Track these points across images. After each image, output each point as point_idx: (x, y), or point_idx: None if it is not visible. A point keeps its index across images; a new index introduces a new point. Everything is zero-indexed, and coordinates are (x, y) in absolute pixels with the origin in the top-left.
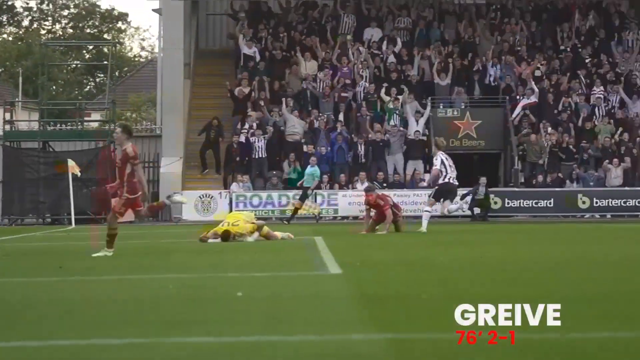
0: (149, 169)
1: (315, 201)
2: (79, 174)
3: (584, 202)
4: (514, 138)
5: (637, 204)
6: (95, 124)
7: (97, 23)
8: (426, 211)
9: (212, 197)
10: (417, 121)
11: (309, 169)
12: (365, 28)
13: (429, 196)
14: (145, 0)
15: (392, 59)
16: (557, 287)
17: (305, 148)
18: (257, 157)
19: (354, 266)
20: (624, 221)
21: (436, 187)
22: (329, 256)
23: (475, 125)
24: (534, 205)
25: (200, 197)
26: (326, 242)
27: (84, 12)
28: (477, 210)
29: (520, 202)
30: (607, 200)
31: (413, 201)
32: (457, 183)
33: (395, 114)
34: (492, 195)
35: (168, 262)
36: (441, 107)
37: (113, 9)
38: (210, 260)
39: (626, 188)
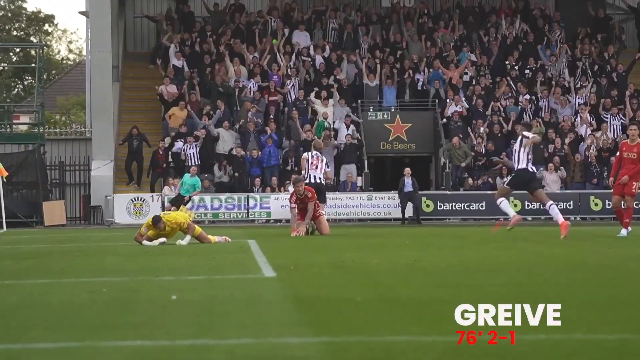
0: (80, 172)
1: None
2: (4, 175)
3: (515, 205)
4: (444, 141)
5: (568, 206)
6: (24, 127)
7: (23, 25)
8: None
9: (144, 200)
10: (347, 125)
11: (188, 179)
12: (294, 31)
13: None
14: (72, 2)
15: (320, 61)
16: (494, 290)
17: (234, 151)
18: (189, 164)
19: (287, 269)
20: (553, 224)
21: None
22: (262, 259)
23: (405, 129)
24: (465, 208)
25: (132, 200)
26: (260, 245)
27: (9, 14)
28: (409, 209)
29: (452, 205)
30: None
31: (345, 204)
32: (324, 183)
33: (323, 126)
34: (423, 198)
35: (101, 266)
36: (371, 110)
37: (39, 12)
38: (144, 264)
39: (557, 191)
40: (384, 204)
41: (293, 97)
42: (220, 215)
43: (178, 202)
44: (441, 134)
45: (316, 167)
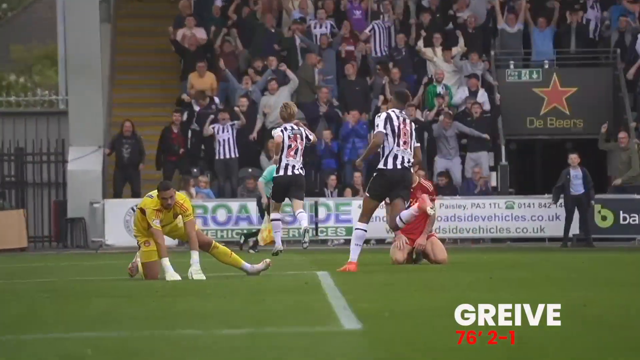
0: (49, 166)
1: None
2: None
3: None
4: (630, 116)
5: None
6: None
7: None
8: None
9: None
10: (472, 91)
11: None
12: None
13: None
14: None
15: None
16: None
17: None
18: (223, 156)
19: (379, 317)
20: None
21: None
22: (340, 302)
23: (567, 96)
24: None
25: (132, 208)
26: (335, 280)
27: None
28: (575, 222)
29: None
30: None
31: (470, 215)
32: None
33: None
34: (596, 205)
35: (85, 313)
36: (512, 66)
37: None
38: (152, 309)
39: None
40: (533, 214)
41: (384, 47)
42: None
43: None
44: (626, 105)
45: (295, 152)
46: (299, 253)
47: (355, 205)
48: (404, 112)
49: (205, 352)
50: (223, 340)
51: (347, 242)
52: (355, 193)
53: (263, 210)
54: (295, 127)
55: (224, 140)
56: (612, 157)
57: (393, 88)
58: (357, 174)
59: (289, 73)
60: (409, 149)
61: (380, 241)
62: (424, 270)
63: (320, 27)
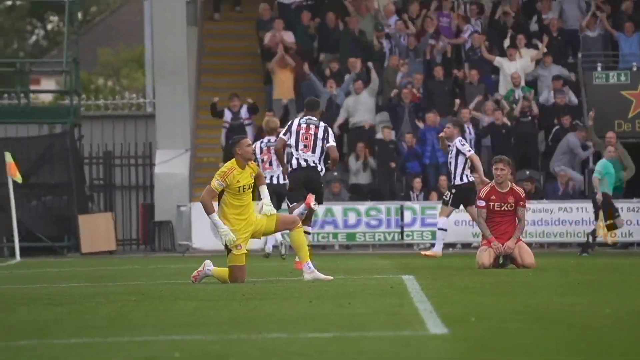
0: (137, 169)
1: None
2: (19, 179)
3: None
4: None
5: None
6: (48, 97)
7: None
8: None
9: None
10: (558, 91)
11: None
12: None
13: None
14: None
15: None
16: None
17: (379, 134)
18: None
19: (466, 322)
20: None
21: None
22: (426, 306)
23: None
24: None
25: None
26: (421, 284)
27: None
28: None
29: None
30: None
31: (558, 219)
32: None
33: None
34: None
35: (171, 316)
36: (599, 69)
37: None
38: (237, 312)
39: None
40: (626, 219)
41: (467, 48)
42: (358, 236)
43: None
44: None
45: (270, 164)
46: (384, 257)
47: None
48: (311, 119)
49: (292, 355)
50: (309, 344)
51: (433, 245)
52: (440, 196)
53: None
54: (271, 139)
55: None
56: None
57: (472, 90)
58: (443, 177)
59: (373, 73)
60: (309, 152)
61: (466, 245)
62: (511, 274)
63: (404, 40)
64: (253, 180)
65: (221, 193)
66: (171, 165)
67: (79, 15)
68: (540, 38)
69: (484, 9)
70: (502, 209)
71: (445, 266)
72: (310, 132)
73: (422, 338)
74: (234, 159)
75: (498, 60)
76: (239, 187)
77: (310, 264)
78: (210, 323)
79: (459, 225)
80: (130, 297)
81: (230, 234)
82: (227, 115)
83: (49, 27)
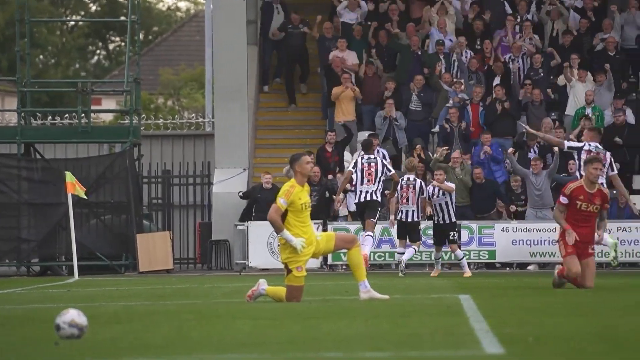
0: (195, 188)
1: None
2: (84, 195)
3: None
4: None
5: None
6: (109, 117)
7: None
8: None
9: None
10: (619, 110)
11: None
12: None
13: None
14: None
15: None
16: None
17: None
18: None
19: (523, 342)
20: None
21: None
22: (482, 326)
23: None
24: None
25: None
26: (477, 303)
27: None
28: None
29: None
30: None
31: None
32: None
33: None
34: None
35: (230, 335)
36: None
37: None
38: (296, 332)
39: None
40: None
41: (527, 68)
42: (415, 256)
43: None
44: None
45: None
46: (441, 276)
47: (499, 229)
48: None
49: None
50: None
51: (488, 265)
52: (499, 216)
53: None
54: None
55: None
56: None
57: (534, 110)
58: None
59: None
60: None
61: (523, 265)
62: (571, 294)
63: (462, 56)
64: (310, 199)
65: (283, 216)
66: (229, 184)
67: (141, 35)
68: (601, 58)
69: (543, 28)
70: (588, 209)
71: (501, 286)
72: (371, 169)
73: (478, 358)
74: (293, 179)
75: (573, 81)
76: (301, 205)
77: (367, 283)
78: (268, 342)
79: (517, 244)
80: (189, 316)
81: (303, 242)
82: None
83: (111, 47)
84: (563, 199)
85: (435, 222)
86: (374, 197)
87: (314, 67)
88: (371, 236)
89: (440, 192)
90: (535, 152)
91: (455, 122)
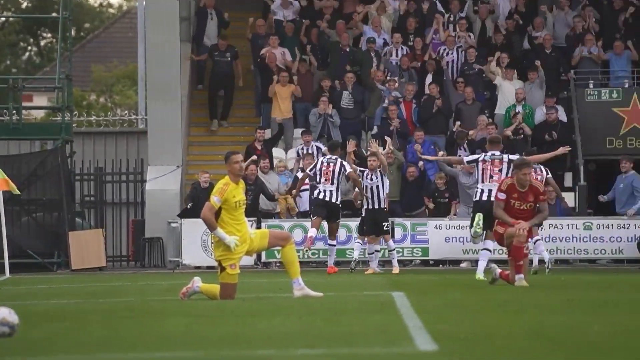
0: (128, 185)
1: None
2: (17, 191)
3: None
4: None
5: None
6: (40, 114)
7: None
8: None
9: None
10: (551, 108)
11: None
12: None
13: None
14: None
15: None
16: None
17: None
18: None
19: (456, 339)
20: None
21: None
22: (416, 323)
23: None
24: None
25: None
26: (410, 300)
27: None
28: None
29: None
30: None
31: (549, 236)
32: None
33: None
34: None
35: (163, 333)
36: (591, 86)
37: None
38: (229, 329)
39: None
40: (612, 235)
41: (459, 63)
42: (349, 253)
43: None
44: None
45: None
46: (374, 274)
47: (432, 226)
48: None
49: None
50: None
51: (423, 262)
52: (431, 213)
53: None
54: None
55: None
56: None
57: (466, 108)
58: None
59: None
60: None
61: (456, 262)
62: (501, 291)
63: (396, 54)
64: (245, 197)
65: (218, 213)
66: (162, 181)
67: (72, 31)
68: (532, 56)
69: (472, 26)
70: (522, 207)
71: (434, 283)
72: (329, 169)
73: (410, 355)
74: (226, 176)
75: (498, 80)
76: (235, 203)
77: (301, 281)
78: (202, 340)
79: (450, 242)
80: (122, 314)
81: (237, 240)
82: None
83: (42, 43)
84: (501, 195)
85: (366, 207)
86: (334, 200)
87: (238, 98)
88: (334, 246)
89: (373, 175)
90: (465, 149)
91: (394, 119)
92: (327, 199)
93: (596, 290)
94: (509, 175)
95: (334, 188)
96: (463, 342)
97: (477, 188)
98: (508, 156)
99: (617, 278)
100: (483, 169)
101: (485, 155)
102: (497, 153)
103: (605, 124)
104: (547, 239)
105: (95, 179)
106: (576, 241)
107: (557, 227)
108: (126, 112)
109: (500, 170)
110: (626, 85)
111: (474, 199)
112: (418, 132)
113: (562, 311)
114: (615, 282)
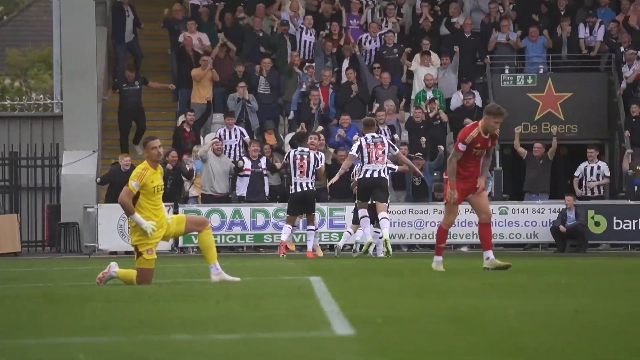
0: (43, 170)
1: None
2: None
3: None
4: (623, 121)
5: None
6: None
7: None
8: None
9: None
10: (467, 93)
11: None
12: None
13: None
14: None
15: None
16: None
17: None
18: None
19: (373, 323)
20: None
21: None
22: (333, 307)
23: (562, 101)
24: None
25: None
26: (328, 285)
27: None
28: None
29: (637, 224)
30: None
31: (463, 220)
32: (382, 176)
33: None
34: (589, 211)
35: (78, 318)
36: (507, 71)
37: None
38: (147, 314)
39: None
40: (527, 220)
41: (375, 52)
42: (266, 238)
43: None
44: (620, 110)
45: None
46: (292, 259)
47: (349, 210)
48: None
49: (199, 357)
50: (216, 346)
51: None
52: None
53: None
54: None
55: (230, 147)
56: (613, 160)
57: (383, 92)
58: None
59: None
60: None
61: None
62: (418, 275)
63: (306, 33)
64: (163, 182)
65: (135, 198)
66: (78, 166)
67: None
68: (450, 41)
69: (400, 11)
70: (478, 154)
71: (351, 268)
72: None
73: (328, 339)
74: (145, 161)
75: (414, 66)
76: (154, 188)
77: (218, 266)
78: (119, 325)
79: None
80: (38, 299)
81: (154, 225)
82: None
83: None
84: (462, 146)
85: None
86: (310, 188)
87: (163, 49)
88: (314, 230)
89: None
90: (385, 132)
91: (316, 104)
92: (305, 189)
93: (512, 275)
94: (475, 121)
95: (310, 180)
96: (379, 327)
97: (363, 168)
98: (387, 138)
99: (533, 262)
100: (369, 153)
101: (366, 139)
102: (376, 135)
103: (521, 109)
104: (462, 224)
105: (10, 163)
106: (492, 225)
107: (472, 212)
108: (41, 96)
109: (384, 152)
110: (541, 71)
111: (359, 177)
112: (344, 116)
113: (478, 295)
114: (531, 266)
